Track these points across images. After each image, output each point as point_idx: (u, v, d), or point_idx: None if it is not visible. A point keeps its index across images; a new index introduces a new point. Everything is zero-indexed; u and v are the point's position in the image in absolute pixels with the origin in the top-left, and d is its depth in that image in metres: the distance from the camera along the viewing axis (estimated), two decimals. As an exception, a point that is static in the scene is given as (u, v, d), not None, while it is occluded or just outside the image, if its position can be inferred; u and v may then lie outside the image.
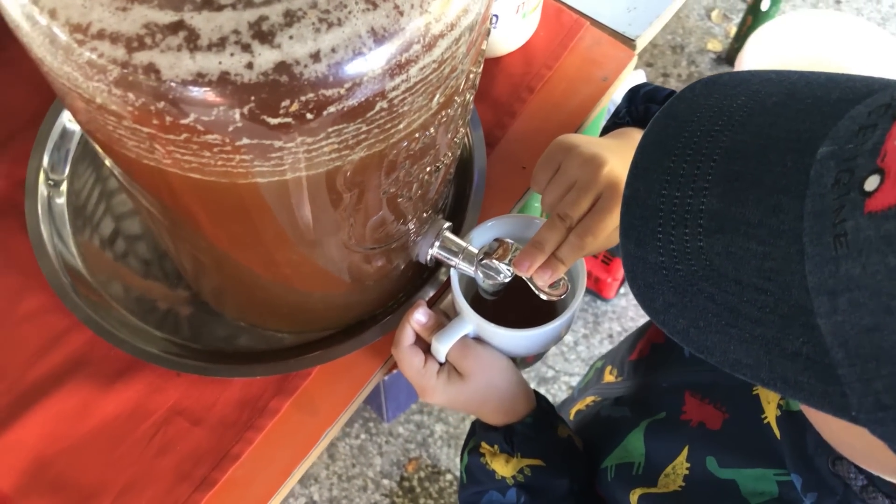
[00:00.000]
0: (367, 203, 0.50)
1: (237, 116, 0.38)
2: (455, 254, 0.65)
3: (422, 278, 0.72)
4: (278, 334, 0.71)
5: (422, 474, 1.71)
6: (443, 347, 0.63)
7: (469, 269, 0.65)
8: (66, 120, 0.76)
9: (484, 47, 0.51)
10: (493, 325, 0.62)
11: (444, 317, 0.67)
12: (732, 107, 0.38)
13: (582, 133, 0.83)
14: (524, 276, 0.60)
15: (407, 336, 0.66)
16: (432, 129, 0.48)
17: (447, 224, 0.66)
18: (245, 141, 0.40)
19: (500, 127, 0.79)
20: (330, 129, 0.41)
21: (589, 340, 1.84)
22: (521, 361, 0.69)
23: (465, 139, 0.77)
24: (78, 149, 0.76)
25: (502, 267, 0.62)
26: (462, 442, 1.69)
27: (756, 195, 0.34)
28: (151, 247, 0.74)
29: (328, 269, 0.59)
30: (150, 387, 0.68)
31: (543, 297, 0.59)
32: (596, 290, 1.87)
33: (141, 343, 0.68)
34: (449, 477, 1.70)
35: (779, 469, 0.53)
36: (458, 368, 0.65)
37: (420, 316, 0.65)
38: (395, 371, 1.53)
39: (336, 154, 0.43)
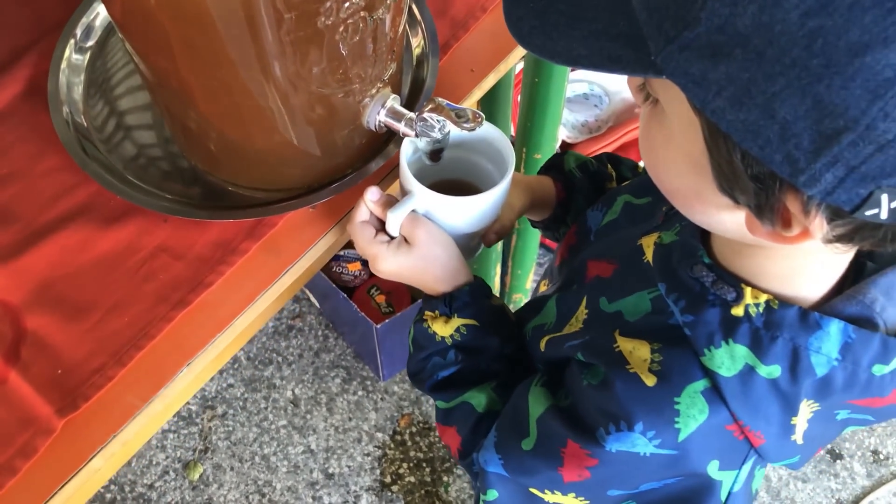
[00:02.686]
0: (307, 32, 0.63)
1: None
2: (399, 120, 0.77)
3: (373, 152, 0.84)
4: (253, 195, 0.83)
5: (413, 429, 1.81)
6: (397, 218, 0.73)
7: (410, 132, 0.77)
8: (98, 9, 0.90)
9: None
10: (438, 194, 0.72)
11: (393, 198, 0.79)
12: None
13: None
14: None
15: (361, 213, 0.77)
16: (356, -35, 0.60)
17: (394, 96, 0.78)
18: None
19: (455, 38, 0.92)
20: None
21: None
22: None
23: (423, 43, 0.89)
24: (100, 39, 0.91)
25: (435, 120, 0.74)
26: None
27: None
28: (160, 135, 0.87)
29: (285, 113, 0.72)
30: (141, 229, 0.81)
31: (462, 130, 0.71)
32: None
33: (136, 193, 0.81)
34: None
35: (651, 288, 0.64)
36: (409, 237, 0.75)
37: (372, 194, 0.76)
38: (387, 321, 1.63)
39: (272, -35, 0.56)
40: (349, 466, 1.77)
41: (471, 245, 0.83)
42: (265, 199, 0.82)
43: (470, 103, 0.90)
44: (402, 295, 1.74)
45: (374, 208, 0.76)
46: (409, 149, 0.76)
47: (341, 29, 0.65)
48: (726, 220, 0.51)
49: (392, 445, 1.79)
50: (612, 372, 0.61)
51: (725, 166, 0.45)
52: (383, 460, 1.78)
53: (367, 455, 1.78)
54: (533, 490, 0.70)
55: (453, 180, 0.83)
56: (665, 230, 0.65)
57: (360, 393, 1.85)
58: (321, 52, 0.66)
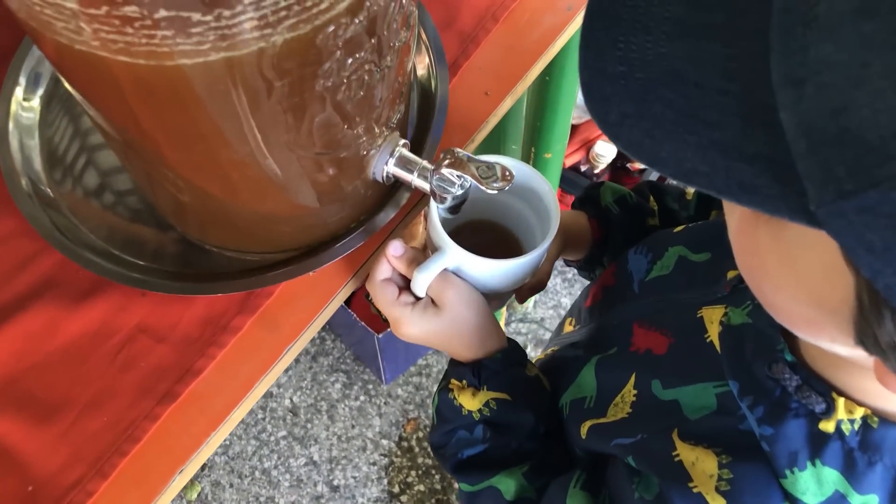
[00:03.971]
0: (304, 97, 0.51)
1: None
2: (411, 170, 0.66)
3: (382, 201, 0.73)
4: (243, 257, 0.72)
5: (420, 434, 1.72)
6: (425, 278, 0.63)
7: (425, 185, 0.66)
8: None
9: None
10: (474, 255, 0.62)
11: (419, 252, 0.68)
12: None
13: (546, 65, 0.84)
14: None
15: (382, 270, 0.67)
16: (361, 17, 0.48)
17: (403, 141, 0.67)
18: (163, 13, 0.41)
19: (465, 55, 0.80)
20: (247, 2, 0.41)
21: (587, 302, 1.84)
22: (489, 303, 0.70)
23: (429, 63, 0.77)
24: (50, 84, 0.78)
25: (454, 176, 0.62)
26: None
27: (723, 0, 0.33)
28: (124, 182, 0.75)
29: (281, 179, 0.60)
30: (116, 306, 0.70)
31: (489, 191, 0.60)
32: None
33: (108, 264, 0.69)
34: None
35: (718, 381, 0.54)
36: (437, 300, 0.65)
37: (395, 249, 0.66)
38: (388, 330, 1.54)
39: (258, 33, 0.44)
40: (355, 477, 1.68)
41: (502, 301, 0.73)
42: (258, 263, 0.71)
43: (486, 132, 0.79)
44: (403, 298, 1.64)
45: (397, 265, 0.66)
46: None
47: (343, 88, 0.53)
48: (841, 350, 0.40)
49: (399, 453, 1.70)
50: (671, 488, 0.51)
51: (883, 337, 0.34)
52: (390, 469, 1.69)
53: (373, 464, 1.70)
54: None
55: (482, 221, 0.72)
56: (733, 305, 0.55)
57: (361, 398, 1.76)
58: (322, 116, 0.54)
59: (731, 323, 0.54)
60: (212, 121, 0.51)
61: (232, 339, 0.69)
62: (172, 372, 0.67)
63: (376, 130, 0.62)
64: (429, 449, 1.70)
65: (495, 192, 0.61)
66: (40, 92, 0.76)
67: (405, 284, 0.68)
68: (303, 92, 0.51)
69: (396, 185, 0.73)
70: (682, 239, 0.68)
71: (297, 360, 1.80)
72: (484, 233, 0.73)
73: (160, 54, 0.44)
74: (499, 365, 0.67)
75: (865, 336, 0.35)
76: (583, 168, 1.65)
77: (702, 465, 0.51)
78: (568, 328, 0.84)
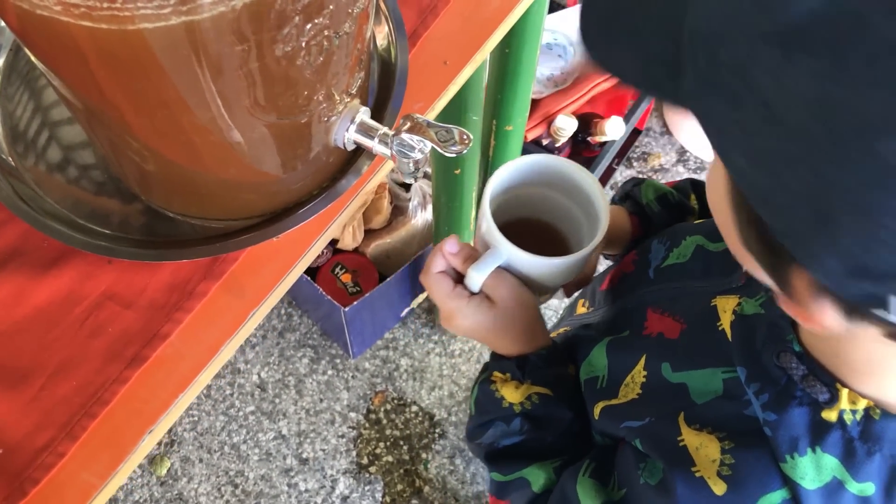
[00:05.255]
0: (264, 62, 0.52)
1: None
2: (371, 136, 0.68)
3: (344, 168, 0.74)
4: (208, 224, 0.73)
5: (388, 407, 1.74)
6: (480, 275, 0.65)
7: (385, 151, 0.67)
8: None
9: None
10: (528, 253, 0.64)
11: (474, 250, 0.70)
12: None
13: (505, 37, 0.86)
14: None
15: (437, 264, 0.69)
16: (319, -18, 0.50)
17: (364, 108, 0.68)
18: (123, -23, 0.42)
19: (424, 26, 0.82)
20: (205, -35, 0.43)
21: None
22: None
23: (389, 34, 0.79)
24: (9, 56, 0.78)
25: (414, 141, 0.64)
26: (427, 376, 1.72)
27: None
28: (88, 156, 0.76)
29: (243, 145, 0.62)
30: (83, 274, 0.71)
31: (447, 154, 0.62)
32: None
33: (73, 233, 0.70)
34: (414, 409, 1.74)
35: (726, 367, 0.55)
36: (492, 296, 0.67)
37: (451, 246, 0.68)
38: (355, 303, 1.55)
39: (218, -4, 0.45)
40: (323, 450, 1.71)
41: (550, 296, 0.76)
42: (222, 229, 0.72)
43: (446, 100, 0.81)
44: (370, 273, 1.65)
45: (453, 262, 0.69)
46: (491, 196, 0.67)
47: (303, 54, 0.55)
48: (833, 325, 0.41)
49: (367, 425, 1.73)
50: (674, 473, 0.53)
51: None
52: (359, 441, 1.71)
53: (342, 437, 1.72)
54: None
55: (531, 219, 0.74)
56: (747, 296, 0.57)
57: (329, 372, 1.78)
58: (283, 81, 0.56)
59: (744, 313, 0.56)
60: (173, 86, 0.52)
61: (198, 304, 0.70)
62: (140, 337, 0.69)
63: (336, 97, 0.64)
64: (396, 420, 1.72)
65: (453, 154, 0.62)
66: (1, 61, 0.76)
67: (458, 278, 0.70)
68: (262, 57, 0.52)
69: (358, 152, 0.75)
70: (702, 229, 0.69)
71: (263, 337, 1.81)
72: (532, 230, 0.74)
73: (122, 18, 0.45)
74: (543, 361, 0.69)
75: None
76: (545, 142, 1.67)
77: (705, 450, 0.53)
78: (581, 309, 0.85)
